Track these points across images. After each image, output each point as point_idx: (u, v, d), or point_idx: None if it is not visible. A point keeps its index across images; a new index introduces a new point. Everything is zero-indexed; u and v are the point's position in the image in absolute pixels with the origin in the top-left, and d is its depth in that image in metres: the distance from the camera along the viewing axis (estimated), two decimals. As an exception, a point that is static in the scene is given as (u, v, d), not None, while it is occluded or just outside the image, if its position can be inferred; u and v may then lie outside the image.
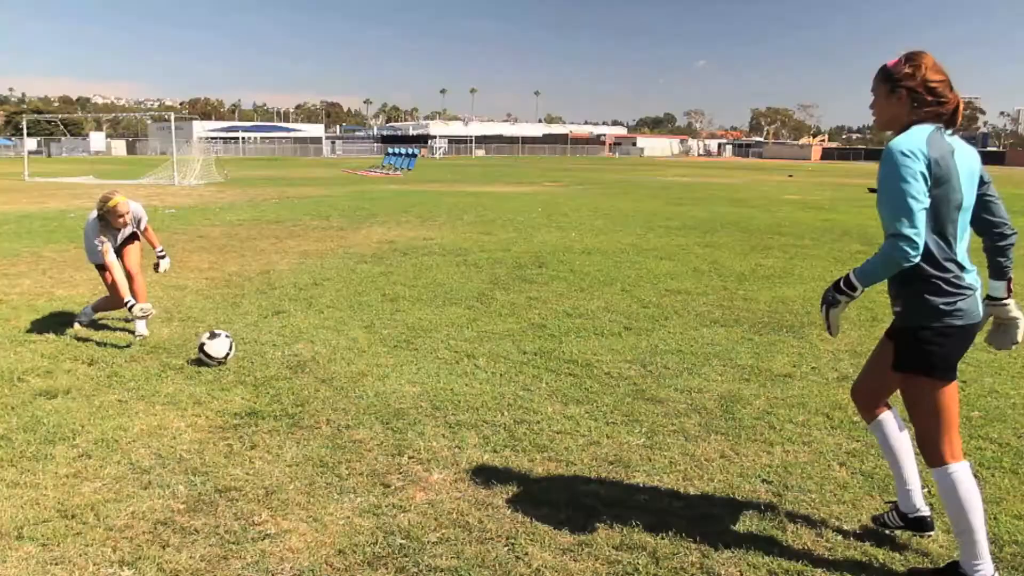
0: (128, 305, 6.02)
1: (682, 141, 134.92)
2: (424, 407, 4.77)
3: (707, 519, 3.40)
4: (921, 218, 2.63)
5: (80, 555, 3.07)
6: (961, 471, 2.84)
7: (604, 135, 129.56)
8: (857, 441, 4.27)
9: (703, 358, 5.84)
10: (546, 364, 5.67)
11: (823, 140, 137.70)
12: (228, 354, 5.55)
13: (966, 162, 2.76)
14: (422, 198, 21.88)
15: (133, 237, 6.59)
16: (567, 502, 3.55)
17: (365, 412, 4.67)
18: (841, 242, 12.91)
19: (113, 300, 6.34)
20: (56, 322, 6.73)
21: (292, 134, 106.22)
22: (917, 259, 2.66)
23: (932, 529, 3.24)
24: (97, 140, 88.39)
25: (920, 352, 2.81)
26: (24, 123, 45.05)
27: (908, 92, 2.79)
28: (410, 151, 44.88)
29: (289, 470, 3.87)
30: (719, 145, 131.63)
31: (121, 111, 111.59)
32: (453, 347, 6.09)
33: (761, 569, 3.02)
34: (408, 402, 4.85)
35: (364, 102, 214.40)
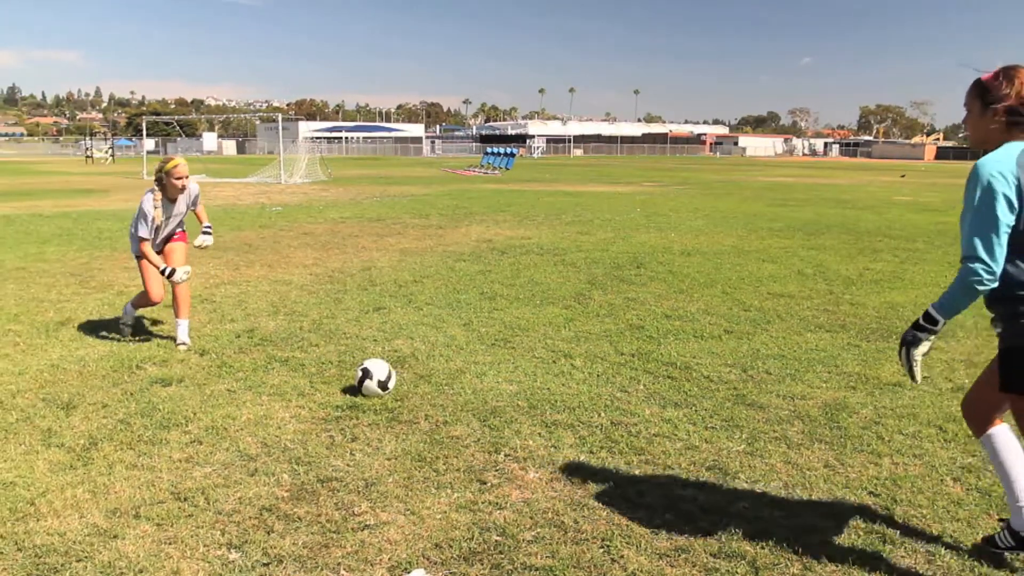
0: (165, 271, 6.00)
1: (786, 140, 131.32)
2: (521, 406, 4.78)
3: (809, 530, 3.30)
4: (999, 243, 2.57)
5: (191, 536, 3.21)
6: None
7: (704, 134, 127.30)
8: (973, 456, 4.06)
9: (807, 364, 5.67)
10: (644, 366, 5.61)
11: (937, 139, 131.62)
12: (389, 378, 4.98)
13: None
14: (520, 197, 21.98)
15: (177, 235, 6.40)
16: (664, 506, 3.50)
17: (462, 409, 4.72)
18: (956, 246, 12.26)
19: (149, 295, 6.20)
20: (171, 314, 7.03)
21: (393, 134, 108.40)
22: (993, 284, 2.59)
23: None
24: (209, 140, 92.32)
25: (1022, 372, 2.72)
26: (144, 124, 47.33)
27: (1005, 109, 2.68)
28: (509, 151, 45.14)
29: (388, 463, 3.94)
30: (825, 144, 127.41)
31: (232, 112, 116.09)
32: (550, 346, 6.10)
33: (868, 585, 2.90)
34: (505, 400, 4.88)
35: (464, 102, 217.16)
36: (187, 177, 6.10)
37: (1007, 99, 2.67)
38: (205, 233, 6.56)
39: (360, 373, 4.93)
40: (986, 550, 3.12)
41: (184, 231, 6.46)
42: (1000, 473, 3.07)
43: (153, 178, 6.20)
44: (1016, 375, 2.75)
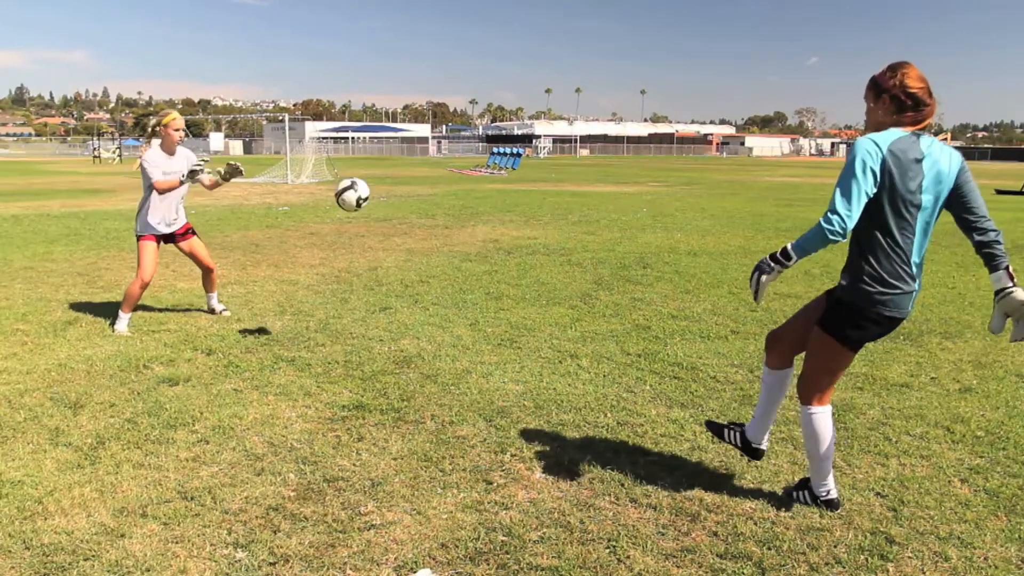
0: (195, 170, 6.24)
1: (793, 140, 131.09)
2: (527, 406, 4.78)
3: (816, 531, 3.29)
4: (856, 204, 2.96)
5: (198, 535, 3.22)
6: (824, 413, 3.39)
7: (711, 134, 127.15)
8: (981, 457, 4.05)
9: (814, 364, 5.65)
10: (650, 366, 5.61)
11: (945, 139, 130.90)
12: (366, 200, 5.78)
13: (937, 167, 3.05)
14: (526, 197, 21.98)
15: (191, 231, 6.78)
16: (670, 507, 3.49)
17: (469, 409, 4.72)
18: (963, 245, 12.25)
19: (143, 272, 6.44)
20: (178, 313, 7.08)
21: (399, 134, 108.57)
22: (843, 238, 2.97)
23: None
24: (216, 140, 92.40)
25: (845, 324, 3.22)
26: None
27: (891, 98, 3.09)
28: (515, 151, 45.14)
29: (394, 463, 3.94)
30: (832, 144, 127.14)
31: (238, 112, 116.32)
32: (556, 347, 6.09)
33: (875, 586, 2.90)
34: (511, 400, 4.88)
35: (470, 102, 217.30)
36: (183, 130, 6.39)
37: (892, 89, 3.08)
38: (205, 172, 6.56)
39: (349, 183, 5.50)
40: (1002, 551, 3.14)
41: (189, 223, 6.87)
42: (763, 399, 3.68)
43: (147, 132, 6.43)
44: (837, 321, 3.25)
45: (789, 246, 3.10)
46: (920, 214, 3.09)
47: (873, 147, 2.99)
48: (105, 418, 4.50)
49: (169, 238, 6.69)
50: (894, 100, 3.08)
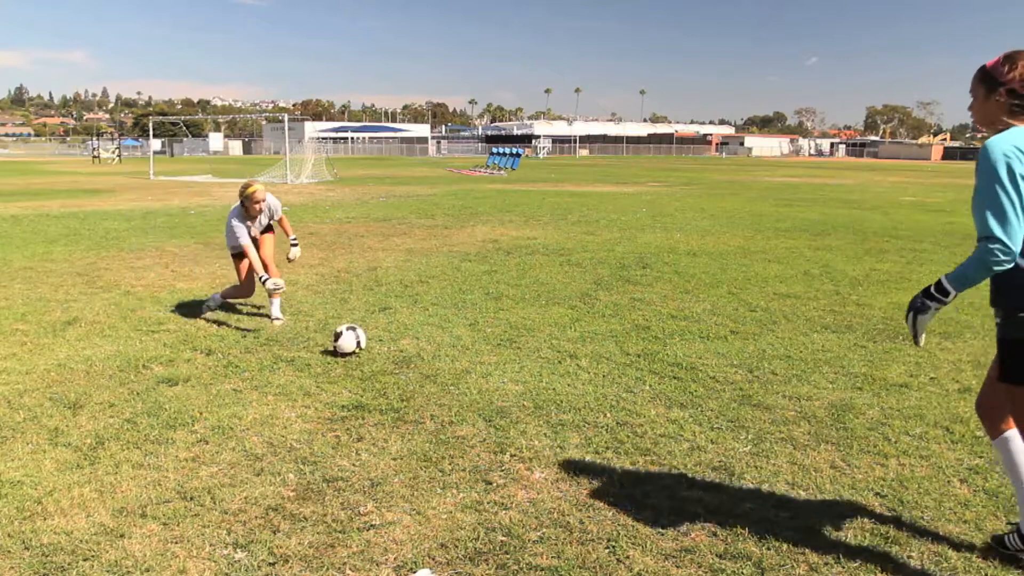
0: (263, 280, 6.54)
1: (792, 140, 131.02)
2: (526, 406, 4.78)
3: (816, 531, 3.29)
4: (1016, 221, 2.56)
5: (198, 535, 3.22)
6: None
7: (710, 134, 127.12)
8: (980, 457, 4.05)
9: (813, 365, 5.66)
10: (650, 366, 5.61)
11: (944, 139, 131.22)
12: (358, 343, 5.79)
13: None
14: (526, 198, 21.97)
15: (268, 229, 7.13)
16: (670, 507, 3.50)
17: (468, 409, 4.72)
18: (963, 246, 12.27)
19: (243, 288, 6.94)
20: (178, 313, 7.09)
21: (399, 134, 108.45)
22: (1011, 264, 2.59)
23: None
24: (216, 140, 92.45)
25: (1021, 363, 2.75)
26: (150, 125, 47.45)
27: (1008, 92, 2.73)
28: (514, 151, 45.12)
29: (394, 463, 3.94)
30: (831, 145, 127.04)
31: (238, 113, 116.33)
32: (556, 347, 6.09)
33: (874, 586, 2.90)
34: (511, 400, 4.88)
35: (469, 102, 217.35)
36: (264, 201, 6.83)
37: (1011, 83, 2.71)
38: (293, 246, 7.40)
39: (346, 330, 5.73)
40: (995, 551, 3.11)
41: (272, 224, 7.23)
42: (1012, 477, 3.07)
43: (237, 203, 6.92)
44: (1013, 366, 2.78)
45: (945, 280, 2.74)
46: None
47: (1013, 150, 2.61)
48: (104, 418, 4.50)
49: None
50: (1012, 94, 2.72)
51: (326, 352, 5.83)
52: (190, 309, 7.22)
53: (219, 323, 6.77)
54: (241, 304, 7.41)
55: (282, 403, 4.81)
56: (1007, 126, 2.73)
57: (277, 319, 6.82)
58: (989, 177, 2.60)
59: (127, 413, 4.59)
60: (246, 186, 6.79)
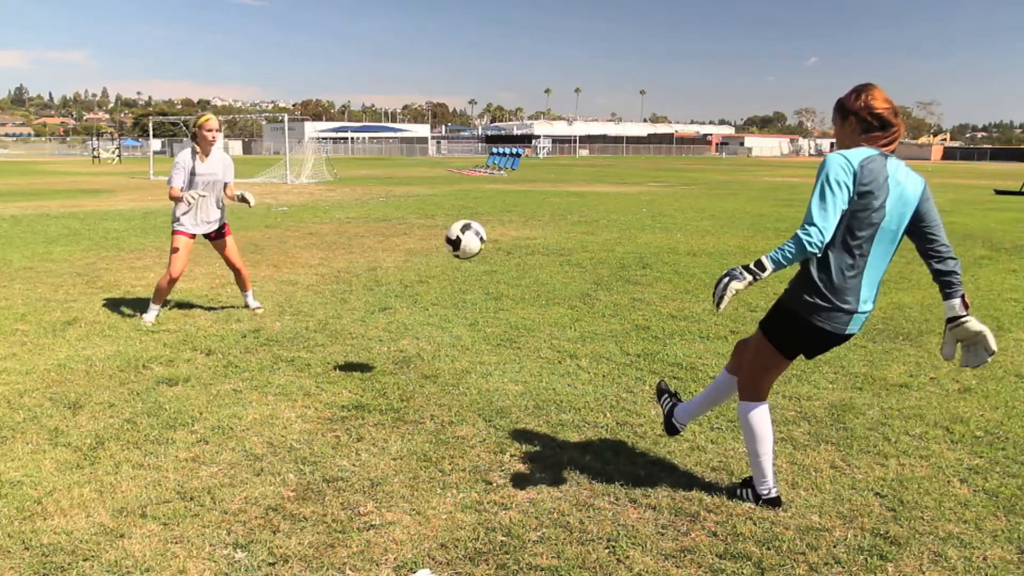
0: (239, 197, 6.84)
1: (792, 141, 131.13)
2: (527, 406, 4.78)
3: (816, 531, 3.29)
4: (833, 218, 3.00)
5: (198, 535, 3.22)
6: (759, 409, 3.42)
7: (710, 135, 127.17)
8: (980, 457, 4.05)
9: (813, 364, 5.65)
10: (649, 366, 5.61)
11: (944, 139, 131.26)
12: (480, 239, 4.96)
13: (900, 188, 3.10)
14: (526, 198, 21.98)
15: (222, 232, 7.06)
16: (670, 507, 3.50)
17: (468, 409, 4.72)
18: (963, 246, 12.27)
19: (171, 268, 6.73)
20: (177, 313, 7.08)
21: (399, 134, 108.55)
22: (819, 250, 2.99)
23: None
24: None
25: (781, 328, 3.32)
26: (150, 125, 47.42)
27: (857, 119, 3.17)
28: (514, 151, 45.11)
29: (394, 463, 3.94)
30: (831, 145, 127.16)
31: (238, 113, 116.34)
32: (556, 347, 6.09)
33: (874, 586, 2.90)
34: (511, 400, 4.88)
35: (469, 102, 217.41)
36: (218, 130, 6.72)
37: (859, 110, 3.15)
38: (243, 198, 7.00)
39: (460, 231, 4.84)
40: (1003, 552, 3.13)
41: (227, 223, 7.17)
42: (706, 396, 3.82)
43: (190, 136, 6.81)
44: (774, 324, 3.35)
45: (765, 258, 3.11)
46: (880, 235, 3.12)
47: (845, 162, 3.04)
48: (104, 418, 4.50)
49: (207, 236, 7.02)
50: (860, 121, 3.15)
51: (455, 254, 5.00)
52: (190, 309, 7.22)
53: (219, 323, 6.77)
54: (241, 304, 7.40)
55: (282, 403, 4.80)
56: (859, 145, 3.15)
57: (257, 308, 7.14)
58: (823, 179, 3.04)
59: (127, 413, 4.59)
60: (199, 116, 6.69)
